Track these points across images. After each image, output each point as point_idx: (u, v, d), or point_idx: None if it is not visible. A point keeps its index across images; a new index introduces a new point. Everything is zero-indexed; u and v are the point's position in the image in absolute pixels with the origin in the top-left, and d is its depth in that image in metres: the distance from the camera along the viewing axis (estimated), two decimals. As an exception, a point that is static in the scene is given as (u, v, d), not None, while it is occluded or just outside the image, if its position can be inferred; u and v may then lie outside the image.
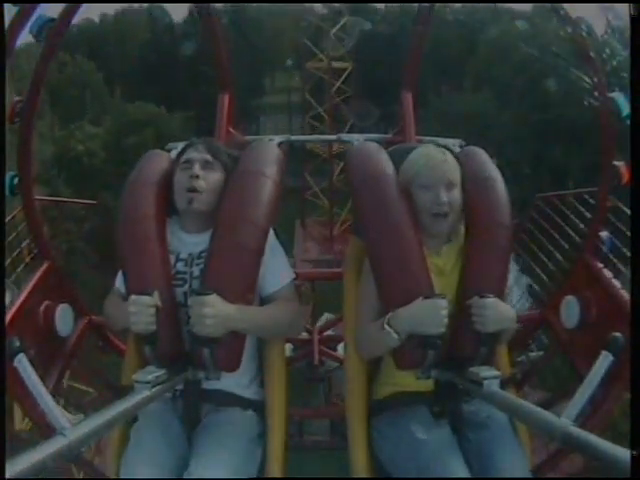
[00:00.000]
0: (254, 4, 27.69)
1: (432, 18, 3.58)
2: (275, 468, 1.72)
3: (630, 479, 0.96)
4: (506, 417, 1.69)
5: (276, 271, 1.80)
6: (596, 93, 2.26)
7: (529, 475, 1.61)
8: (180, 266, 1.77)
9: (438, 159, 1.74)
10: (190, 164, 1.80)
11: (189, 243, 1.80)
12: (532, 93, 17.15)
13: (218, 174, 1.81)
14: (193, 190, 1.75)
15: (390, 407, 1.76)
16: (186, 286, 1.74)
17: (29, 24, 1.89)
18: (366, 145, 2.05)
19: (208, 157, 1.81)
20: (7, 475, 0.89)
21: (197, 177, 1.76)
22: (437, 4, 3.80)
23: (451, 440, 1.62)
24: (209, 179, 1.78)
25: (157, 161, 1.93)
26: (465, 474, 1.51)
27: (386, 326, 1.60)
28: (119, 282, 1.84)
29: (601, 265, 2.34)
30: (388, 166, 1.84)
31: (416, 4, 3.87)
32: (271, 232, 1.80)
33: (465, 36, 24.22)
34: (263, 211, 1.74)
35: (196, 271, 1.75)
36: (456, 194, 1.72)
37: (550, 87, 15.83)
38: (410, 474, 1.60)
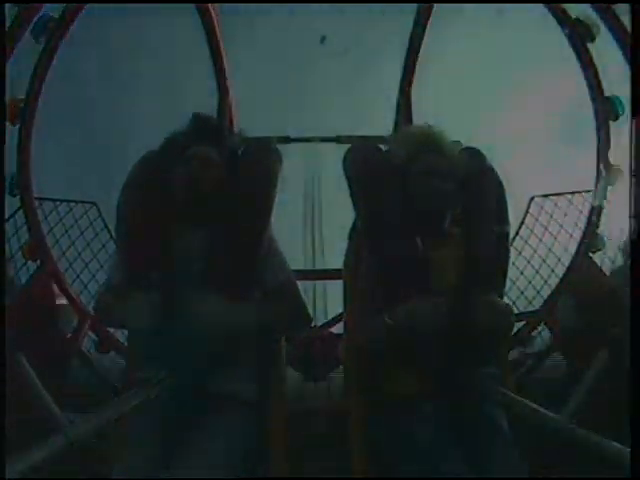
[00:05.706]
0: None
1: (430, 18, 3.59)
2: (275, 467, 1.73)
3: (630, 479, 0.96)
4: (500, 413, 1.67)
5: (275, 268, 1.80)
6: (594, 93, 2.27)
7: (524, 469, 1.54)
8: (180, 262, 1.77)
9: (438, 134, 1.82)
10: (189, 156, 1.81)
11: (188, 237, 1.80)
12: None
13: (216, 165, 1.82)
14: (190, 180, 1.76)
15: (389, 408, 1.76)
16: (186, 283, 1.74)
17: (29, 24, 1.90)
18: (365, 145, 2.06)
19: (207, 149, 1.82)
20: (7, 475, 0.89)
21: (195, 167, 1.77)
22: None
23: (448, 436, 1.60)
24: (207, 170, 1.79)
25: (157, 158, 1.93)
26: (464, 467, 1.48)
27: (384, 315, 1.62)
28: (112, 275, 1.83)
29: (598, 264, 2.35)
30: (386, 166, 1.85)
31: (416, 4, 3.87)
32: (270, 229, 1.80)
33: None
34: (261, 211, 1.75)
35: (195, 269, 1.75)
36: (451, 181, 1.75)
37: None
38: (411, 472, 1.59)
